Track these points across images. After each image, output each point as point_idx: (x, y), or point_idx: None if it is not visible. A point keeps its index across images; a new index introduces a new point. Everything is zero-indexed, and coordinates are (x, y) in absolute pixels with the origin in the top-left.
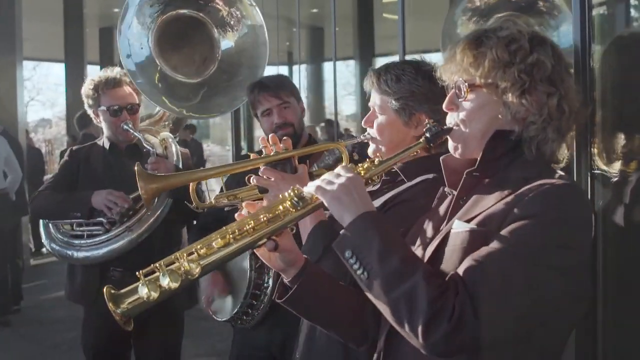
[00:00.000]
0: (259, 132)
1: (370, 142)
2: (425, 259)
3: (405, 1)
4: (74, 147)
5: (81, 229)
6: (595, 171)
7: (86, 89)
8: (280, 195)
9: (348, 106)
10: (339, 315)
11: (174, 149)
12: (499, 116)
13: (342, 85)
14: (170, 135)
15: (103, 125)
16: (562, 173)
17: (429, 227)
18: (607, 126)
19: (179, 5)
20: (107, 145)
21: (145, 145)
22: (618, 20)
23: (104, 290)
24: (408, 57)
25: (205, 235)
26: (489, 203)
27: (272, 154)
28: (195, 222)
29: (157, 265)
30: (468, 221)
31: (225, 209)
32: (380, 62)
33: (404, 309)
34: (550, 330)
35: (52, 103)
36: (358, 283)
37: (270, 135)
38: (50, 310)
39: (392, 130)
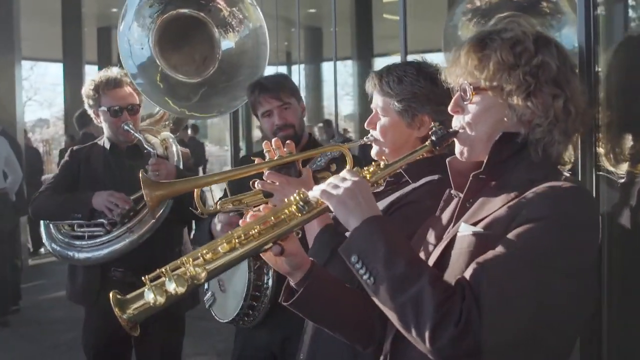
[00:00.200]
0: (257, 133)
1: (373, 144)
2: (432, 263)
3: (399, 2)
4: (75, 148)
5: (82, 229)
6: (601, 172)
7: (87, 89)
8: (286, 200)
9: (346, 106)
10: (346, 317)
11: (174, 149)
12: (505, 119)
13: (340, 86)
14: (171, 135)
15: (103, 125)
16: (569, 175)
17: (435, 230)
18: (615, 127)
19: (179, 5)
20: (107, 145)
21: (146, 146)
22: (616, 21)
23: (110, 295)
24: (409, 58)
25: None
26: (496, 206)
27: (276, 158)
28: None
29: (163, 270)
30: (474, 224)
31: (231, 214)
32: (379, 62)
33: (411, 314)
34: (558, 333)
35: (50, 103)
36: (365, 288)
37: (273, 140)
38: (49, 311)
39: (395, 132)
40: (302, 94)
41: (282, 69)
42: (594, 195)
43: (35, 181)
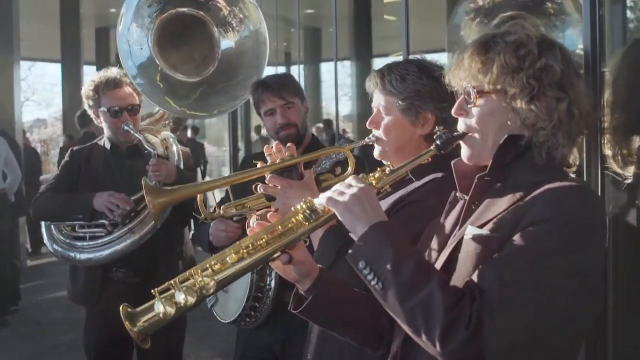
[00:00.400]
0: (256, 133)
1: (375, 144)
2: (439, 266)
3: (401, 2)
4: (75, 148)
5: (83, 230)
6: (607, 173)
7: (86, 89)
8: (293, 208)
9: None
10: (355, 321)
11: (174, 148)
12: (509, 122)
13: (339, 86)
14: (171, 134)
15: (104, 125)
16: (574, 176)
17: (441, 232)
18: (622, 129)
19: (178, 4)
20: (107, 145)
21: (147, 147)
22: (615, 22)
23: (121, 309)
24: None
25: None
26: (501, 207)
27: (277, 161)
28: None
29: (172, 282)
30: (481, 226)
31: (234, 218)
32: (378, 62)
33: (421, 318)
34: (565, 334)
35: (48, 103)
36: (373, 294)
37: (274, 143)
38: (49, 311)
39: (399, 131)
40: None
41: (281, 70)
42: (600, 196)
43: (34, 181)
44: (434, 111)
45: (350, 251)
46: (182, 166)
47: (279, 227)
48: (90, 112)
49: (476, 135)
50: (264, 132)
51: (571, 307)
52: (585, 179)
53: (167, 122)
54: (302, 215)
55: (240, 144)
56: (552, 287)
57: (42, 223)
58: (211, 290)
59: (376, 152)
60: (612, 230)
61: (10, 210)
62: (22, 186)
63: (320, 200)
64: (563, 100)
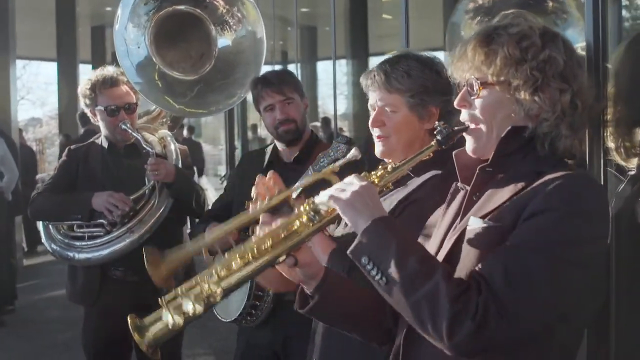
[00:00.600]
0: (252, 132)
1: (379, 143)
2: (442, 257)
3: (401, 1)
4: (72, 147)
5: (82, 230)
6: (610, 166)
7: (83, 88)
8: (296, 210)
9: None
10: (361, 318)
11: (172, 147)
12: (512, 114)
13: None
14: (169, 133)
15: (100, 124)
16: (575, 167)
17: (442, 223)
18: (625, 121)
19: (175, 2)
20: (105, 144)
21: (145, 146)
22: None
23: (129, 320)
24: None
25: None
26: (503, 197)
27: (267, 200)
28: (198, 221)
29: (179, 290)
30: (483, 217)
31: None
32: (374, 61)
33: (426, 311)
34: (571, 325)
35: (42, 102)
36: (377, 289)
37: (257, 182)
38: (45, 311)
39: (409, 127)
40: None
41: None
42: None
43: (30, 180)
44: (438, 105)
45: (352, 247)
46: (180, 165)
47: (283, 230)
48: (87, 110)
49: (482, 126)
50: (260, 131)
51: (576, 296)
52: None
53: (164, 120)
54: (305, 217)
55: (237, 143)
56: (558, 276)
57: (40, 222)
58: (218, 298)
59: (380, 151)
60: (614, 222)
61: (6, 209)
62: (19, 185)
63: (321, 198)
64: (566, 92)
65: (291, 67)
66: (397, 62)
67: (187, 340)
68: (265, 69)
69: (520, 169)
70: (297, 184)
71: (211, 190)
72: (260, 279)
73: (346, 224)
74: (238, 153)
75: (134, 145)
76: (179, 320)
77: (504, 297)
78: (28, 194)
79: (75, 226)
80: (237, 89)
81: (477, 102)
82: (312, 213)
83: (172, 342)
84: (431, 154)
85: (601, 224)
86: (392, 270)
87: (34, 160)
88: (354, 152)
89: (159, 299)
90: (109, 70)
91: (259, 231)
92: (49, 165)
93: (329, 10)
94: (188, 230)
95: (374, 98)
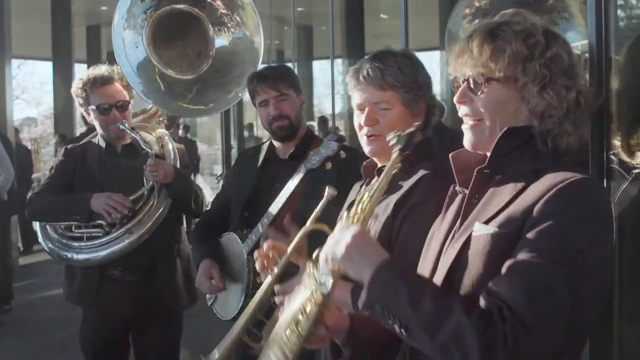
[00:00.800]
0: (248, 131)
1: (371, 142)
2: (448, 265)
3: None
4: (69, 146)
5: (80, 230)
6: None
7: (75, 88)
8: (303, 285)
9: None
10: (394, 349)
11: (170, 147)
12: (517, 110)
13: (327, 84)
14: (167, 132)
15: (95, 123)
16: (574, 165)
17: (442, 228)
18: (629, 117)
19: (173, 1)
20: (102, 144)
21: (144, 147)
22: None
23: None
24: None
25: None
26: (504, 200)
27: (275, 269)
28: (197, 221)
29: None
30: (487, 222)
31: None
32: None
33: (456, 352)
34: (582, 327)
35: (37, 102)
36: (400, 337)
37: (256, 253)
38: (42, 310)
39: (403, 123)
40: None
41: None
42: (606, 187)
43: (26, 180)
44: (427, 100)
45: (363, 298)
46: (178, 165)
47: (302, 314)
48: (81, 110)
49: (485, 121)
50: (256, 130)
51: (591, 301)
52: (590, 169)
53: (161, 119)
54: (316, 293)
55: (233, 142)
56: (575, 285)
57: (37, 222)
58: None
59: (372, 150)
60: (618, 220)
61: (2, 208)
62: (15, 184)
63: (321, 265)
64: (572, 89)
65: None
66: (385, 58)
67: (183, 339)
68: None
69: (518, 168)
70: (290, 247)
71: (207, 189)
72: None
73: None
74: (234, 152)
75: (131, 145)
76: None
77: (530, 320)
78: (24, 193)
79: (73, 226)
80: (234, 87)
81: (481, 98)
82: (319, 284)
83: (171, 342)
84: (400, 164)
85: (607, 226)
86: (409, 318)
87: (30, 159)
88: (329, 192)
89: None
90: (101, 68)
91: (280, 319)
92: (44, 164)
93: (324, 10)
94: (185, 230)
95: (362, 97)
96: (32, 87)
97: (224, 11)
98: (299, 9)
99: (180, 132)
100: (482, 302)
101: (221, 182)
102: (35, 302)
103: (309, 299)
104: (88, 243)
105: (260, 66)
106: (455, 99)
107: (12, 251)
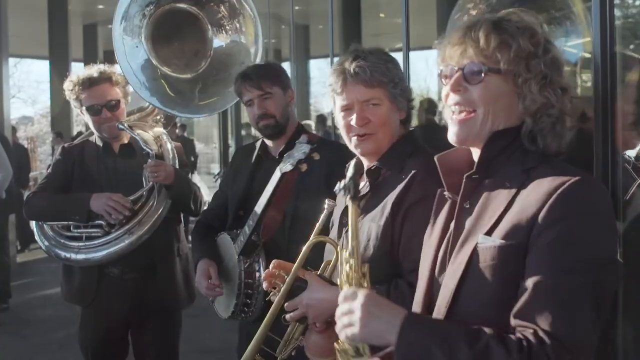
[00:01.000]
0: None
1: (365, 141)
2: (455, 279)
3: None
4: (66, 145)
5: (79, 230)
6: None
7: (67, 91)
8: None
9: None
10: None
11: (168, 146)
12: (511, 106)
13: (324, 83)
14: (164, 131)
15: (89, 124)
16: (561, 161)
17: (433, 233)
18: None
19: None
20: (99, 143)
21: (144, 147)
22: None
23: None
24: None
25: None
26: (500, 205)
27: (281, 289)
28: (197, 220)
29: None
30: (489, 232)
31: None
32: None
33: None
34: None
35: (34, 100)
36: None
37: (264, 276)
38: (39, 309)
39: (392, 119)
40: None
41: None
42: (612, 184)
43: (23, 178)
44: (406, 95)
45: None
46: (177, 164)
47: None
48: (78, 111)
49: (478, 112)
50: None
51: (610, 293)
52: (596, 167)
53: (157, 117)
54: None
55: (231, 141)
56: (598, 285)
57: (34, 222)
58: None
59: (366, 149)
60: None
61: (0, 207)
62: (12, 183)
63: (345, 344)
64: (567, 90)
65: (284, 65)
66: (367, 57)
67: (181, 338)
68: None
69: (508, 170)
70: (296, 263)
71: (204, 188)
72: None
73: (338, 227)
74: (232, 151)
75: (129, 145)
76: None
77: (567, 337)
78: (21, 192)
79: (72, 226)
80: (232, 86)
81: (478, 88)
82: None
83: (170, 341)
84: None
85: (612, 220)
86: None
87: (27, 158)
88: (329, 204)
89: None
90: (92, 69)
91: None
92: (41, 163)
93: (322, 8)
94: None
95: (350, 97)
96: (29, 85)
97: (222, 14)
98: (296, 7)
99: (177, 130)
100: (514, 330)
101: (219, 181)
102: (32, 300)
103: None
104: (88, 243)
105: None
106: (450, 87)
107: (10, 250)
